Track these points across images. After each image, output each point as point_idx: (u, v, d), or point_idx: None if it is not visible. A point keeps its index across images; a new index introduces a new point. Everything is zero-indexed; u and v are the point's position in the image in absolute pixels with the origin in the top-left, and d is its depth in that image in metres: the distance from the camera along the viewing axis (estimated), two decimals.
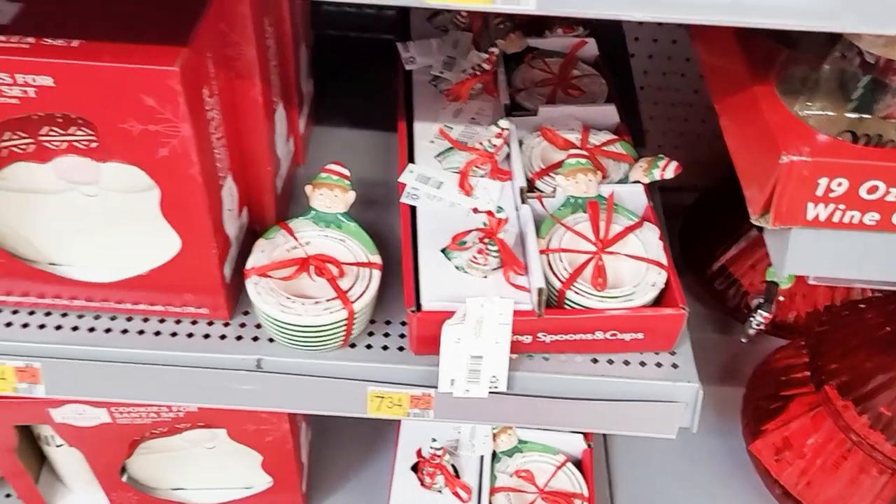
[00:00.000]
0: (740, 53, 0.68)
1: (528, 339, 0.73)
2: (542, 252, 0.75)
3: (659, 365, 0.75)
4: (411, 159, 0.86)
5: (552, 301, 0.74)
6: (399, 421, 1.07)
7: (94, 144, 0.67)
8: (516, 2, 0.44)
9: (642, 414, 0.74)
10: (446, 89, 0.93)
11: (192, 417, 0.87)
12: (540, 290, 0.71)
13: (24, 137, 0.67)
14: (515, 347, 0.72)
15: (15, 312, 0.76)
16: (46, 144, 0.67)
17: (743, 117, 0.66)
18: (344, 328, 0.72)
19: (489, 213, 0.73)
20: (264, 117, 0.75)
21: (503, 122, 0.81)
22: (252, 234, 0.82)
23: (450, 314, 0.71)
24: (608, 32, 1.03)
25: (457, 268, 0.75)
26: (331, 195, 0.77)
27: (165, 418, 0.87)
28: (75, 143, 0.67)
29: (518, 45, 0.97)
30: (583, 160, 0.79)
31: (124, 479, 0.96)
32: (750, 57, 0.70)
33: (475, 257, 0.73)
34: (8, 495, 1.06)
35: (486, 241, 0.73)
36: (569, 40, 0.99)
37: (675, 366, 0.75)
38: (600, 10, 0.44)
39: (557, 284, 0.73)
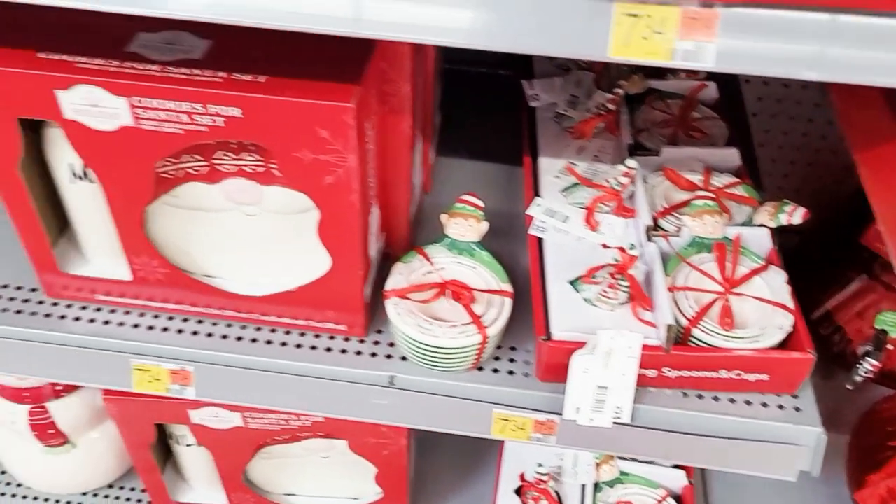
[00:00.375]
0: (886, 105, 0.69)
1: (653, 373, 0.76)
2: (669, 289, 0.77)
3: (781, 407, 0.76)
4: (537, 192, 0.90)
5: (677, 338, 0.76)
6: (502, 442, 1.10)
7: (260, 169, 0.73)
8: (695, 58, 0.48)
9: (763, 454, 0.76)
10: (570, 127, 0.97)
11: (317, 427, 0.92)
12: (669, 327, 0.73)
13: (200, 160, 0.73)
14: (640, 381, 0.75)
15: (171, 318, 0.83)
16: (218, 167, 0.74)
17: (891, 171, 0.67)
18: (476, 352, 0.76)
19: (621, 249, 0.76)
20: (409, 149, 0.81)
21: (630, 162, 0.84)
22: (385, 257, 0.87)
23: (579, 344, 0.74)
24: (725, 76, 1.05)
25: (585, 300, 0.78)
26: (465, 224, 0.81)
27: (292, 426, 0.92)
28: (244, 168, 0.73)
29: (640, 87, 1.00)
30: (710, 202, 0.82)
31: (244, 481, 1.02)
32: None
33: (605, 291, 0.76)
34: (133, 489, 1.13)
35: (618, 276, 0.75)
36: (689, 83, 1.01)
37: (797, 409, 0.76)
38: (776, 69, 0.47)
39: (684, 322, 0.75)
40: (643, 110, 0.99)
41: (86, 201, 0.76)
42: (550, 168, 0.93)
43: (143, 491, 1.13)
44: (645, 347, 0.73)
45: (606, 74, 1.03)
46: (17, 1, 0.54)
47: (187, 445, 1.00)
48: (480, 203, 0.81)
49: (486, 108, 1.12)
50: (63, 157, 0.73)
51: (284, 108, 0.64)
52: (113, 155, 0.69)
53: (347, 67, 0.66)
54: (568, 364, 0.74)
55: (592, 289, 0.78)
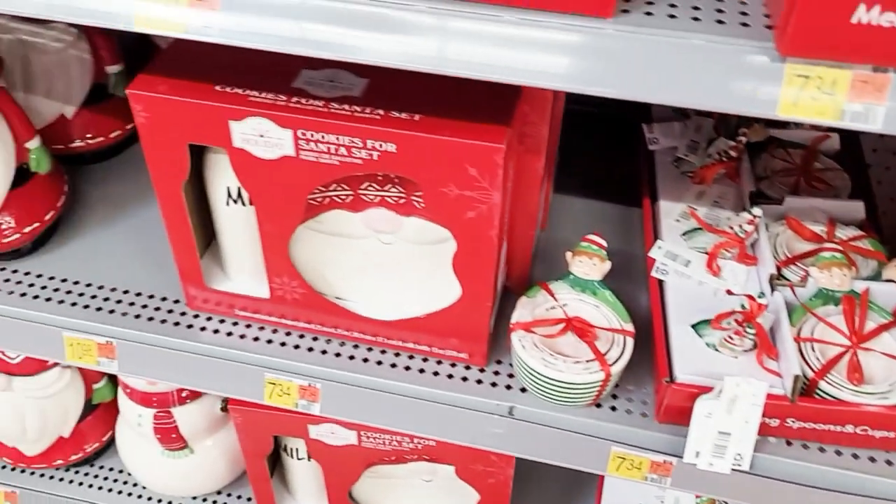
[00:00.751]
0: None
1: (775, 422, 0.76)
2: (794, 340, 0.77)
3: None
4: (656, 235, 0.91)
5: (802, 389, 0.76)
6: (602, 477, 1.11)
7: (402, 200, 0.77)
8: (864, 120, 0.49)
9: None
10: (690, 171, 0.98)
11: (427, 450, 0.95)
12: (796, 378, 0.73)
13: (346, 189, 0.78)
14: (761, 429, 0.75)
15: (302, 336, 0.87)
16: (363, 197, 0.78)
17: None
18: (597, 389, 0.78)
19: (750, 297, 0.76)
20: (539, 188, 0.83)
21: (756, 210, 0.85)
22: (504, 289, 0.89)
23: (703, 389, 0.75)
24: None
25: (707, 344, 0.79)
26: (589, 263, 0.83)
27: (404, 448, 0.95)
28: (387, 198, 0.78)
29: (761, 135, 1.01)
30: (837, 254, 0.82)
31: (349, 498, 1.05)
32: None
33: (730, 338, 0.77)
34: (239, 497, 1.18)
35: (745, 323, 0.76)
36: (810, 133, 1.02)
37: None
38: None
39: (809, 373, 0.75)
40: (764, 158, 1.00)
41: (237, 223, 0.81)
42: (670, 211, 0.94)
43: (249, 500, 1.17)
44: (769, 396, 0.74)
45: (726, 121, 1.04)
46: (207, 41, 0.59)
47: (299, 459, 1.04)
48: (604, 243, 0.83)
49: (601, 148, 1.14)
50: (222, 181, 0.79)
51: (438, 146, 0.67)
52: (271, 182, 0.74)
53: (497, 109, 0.69)
54: (690, 407, 0.75)
55: (716, 334, 0.78)
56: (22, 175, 0.91)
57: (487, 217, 0.71)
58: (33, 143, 0.90)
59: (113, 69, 1.03)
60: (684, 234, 0.91)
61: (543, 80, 0.53)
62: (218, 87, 0.71)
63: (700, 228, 0.90)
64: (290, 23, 0.55)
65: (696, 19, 0.53)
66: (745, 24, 0.52)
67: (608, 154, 1.13)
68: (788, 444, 0.78)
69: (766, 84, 0.50)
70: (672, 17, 0.53)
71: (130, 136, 1.10)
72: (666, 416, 0.79)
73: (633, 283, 0.92)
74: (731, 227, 0.87)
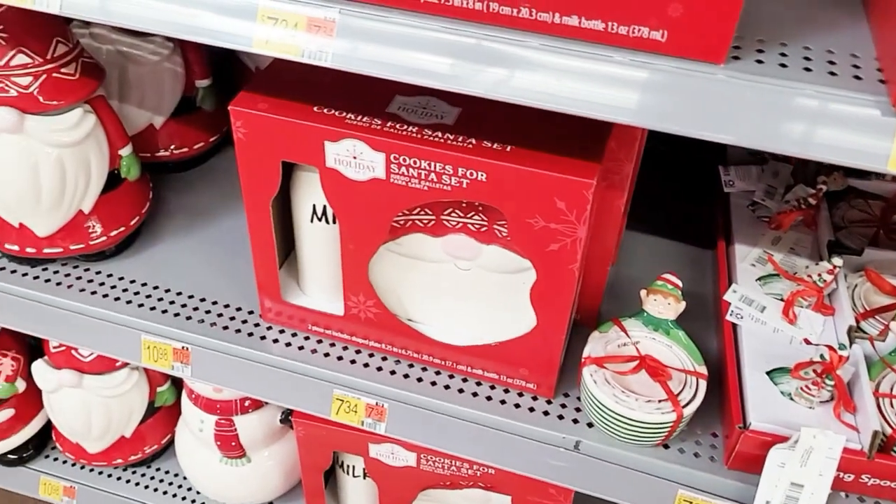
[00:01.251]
0: None
1: (849, 477, 0.74)
2: (873, 394, 0.76)
3: None
4: (730, 278, 0.91)
5: (881, 445, 0.74)
6: None
7: (483, 228, 0.78)
8: None
9: None
10: (766, 216, 0.98)
11: (485, 478, 0.95)
12: (875, 433, 0.72)
13: (429, 214, 0.79)
14: (835, 483, 0.73)
15: (371, 356, 0.88)
16: (445, 222, 0.79)
17: None
18: (668, 429, 0.77)
19: (831, 348, 0.75)
20: (618, 224, 0.84)
21: (836, 260, 0.84)
22: (574, 322, 0.89)
23: (778, 438, 0.74)
24: None
25: (782, 393, 0.78)
26: (664, 302, 0.83)
27: (462, 473, 0.95)
28: (469, 225, 0.79)
29: (840, 185, 1.00)
30: None
31: None
32: None
33: (808, 387, 0.76)
34: None
35: (824, 374, 0.75)
36: (890, 185, 1.00)
37: None
38: None
39: (888, 430, 0.74)
40: (842, 208, 0.99)
41: (319, 240, 0.83)
42: (745, 255, 0.93)
43: None
44: (845, 450, 0.72)
45: (803, 168, 1.03)
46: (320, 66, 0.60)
47: (355, 476, 1.05)
48: (680, 283, 0.83)
49: (674, 187, 1.14)
50: (308, 198, 0.81)
51: (528, 178, 0.68)
52: (359, 203, 0.75)
53: (588, 144, 0.70)
54: (762, 455, 0.74)
55: (793, 383, 0.77)
56: (112, 180, 0.94)
57: (571, 251, 0.72)
58: (126, 151, 0.94)
59: (202, 83, 1.07)
60: (760, 279, 0.90)
61: (652, 120, 0.54)
62: (315, 108, 0.73)
63: (776, 275, 0.89)
64: (404, 53, 0.57)
65: (807, 70, 0.53)
66: (857, 77, 0.52)
67: (680, 193, 1.13)
68: (861, 500, 0.76)
69: (879, 138, 0.50)
70: (783, 66, 0.53)
71: (213, 148, 1.13)
72: (736, 463, 0.78)
73: (701, 324, 0.91)
74: (810, 276, 0.86)
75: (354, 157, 0.72)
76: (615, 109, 0.54)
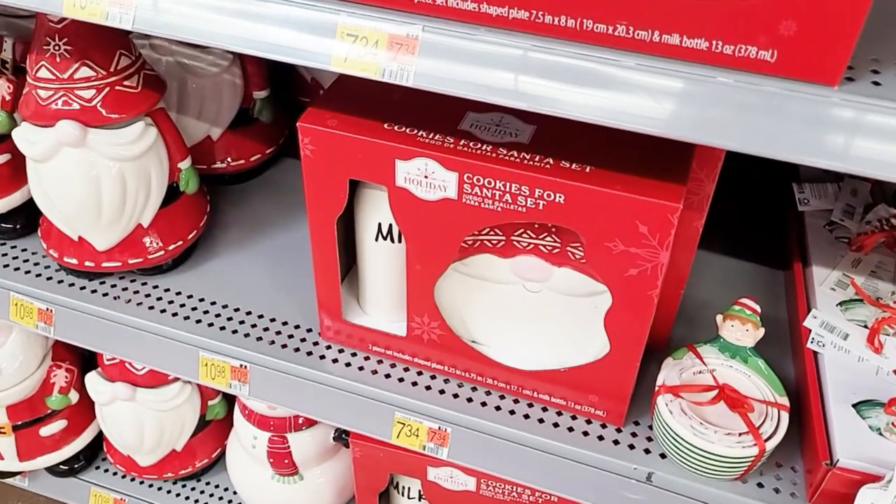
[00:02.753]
0: None
1: None
2: None
3: None
4: (808, 302, 0.87)
5: None
6: None
7: (556, 250, 0.75)
8: None
9: None
10: (845, 237, 0.93)
11: None
12: None
13: (498, 234, 0.76)
14: None
15: (433, 378, 0.85)
16: (515, 243, 0.76)
17: None
18: (748, 464, 0.73)
19: None
20: (694, 246, 0.80)
21: None
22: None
23: (868, 476, 0.70)
24: None
25: (871, 427, 0.74)
26: (742, 328, 0.79)
27: (523, 500, 0.92)
28: (541, 247, 0.76)
29: None
30: None
31: None
32: None
33: None
34: None
35: None
36: None
37: None
38: None
39: None
40: None
41: (384, 259, 0.81)
42: (824, 278, 0.89)
43: None
44: None
45: (882, 186, 0.99)
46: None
47: (410, 498, 1.02)
48: (758, 308, 0.79)
49: (745, 205, 1.10)
50: (374, 217, 0.78)
51: (609, 200, 0.65)
52: (428, 223, 0.73)
53: (670, 165, 0.67)
54: (850, 494, 0.70)
55: (884, 418, 0.73)
56: (171, 193, 0.93)
57: (651, 276, 0.69)
58: (185, 164, 0.93)
59: (259, 94, 1.06)
60: (841, 304, 0.86)
61: (760, 147, 0.50)
62: (386, 126, 0.71)
63: (859, 299, 0.85)
64: (492, 72, 0.54)
65: None
66: None
67: (752, 211, 1.09)
68: None
69: None
70: None
71: (269, 159, 1.12)
72: (821, 501, 0.73)
73: (777, 350, 0.87)
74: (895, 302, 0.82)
75: (426, 177, 0.70)
76: (722, 135, 0.50)
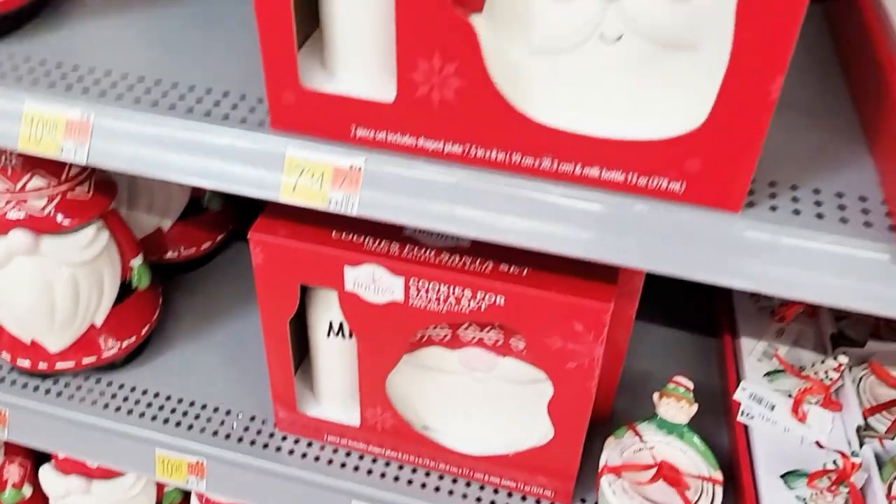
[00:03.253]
0: None
1: None
2: (887, 498, 0.77)
3: None
4: (738, 373, 0.92)
5: None
6: None
7: (500, 343, 0.80)
8: None
9: None
10: (769, 307, 1.00)
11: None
12: None
13: (445, 328, 0.80)
14: None
15: (388, 465, 0.88)
16: (461, 336, 0.80)
17: None
18: None
19: (843, 455, 0.77)
20: (629, 330, 0.85)
21: (842, 358, 0.86)
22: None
23: None
24: None
25: (798, 497, 0.79)
26: (676, 406, 0.84)
27: None
28: (485, 339, 0.80)
29: None
30: None
31: None
32: None
33: (822, 493, 0.77)
34: None
35: (838, 482, 0.76)
36: None
37: None
38: None
39: None
40: None
41: (336, 354, 0.84)
42: (751, 349, 0.95)
43: None
44: None
45: None
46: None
47: None
48: (691, 385, 0.84)
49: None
50: (325, 315, 0.82)
51: (546, 302, 0.70)
52: (377, 323, 0.76)
53: (602, 266, 0.72)
54: None
55: (808, 490, 0.78)
56: (123, 290, 0.94)
57: (588, 369, 0.73)
58: (137, 261, 0.95)
59: None
60: (768, 374, 0.92)
61: (672, 268, 0.55)
62: (334, 234, 0.74)
63: (783, 370, 0.91)
64: (430, 201, 0.58)
65: (819, 216, 0.55)
66: (867, 224, 0.54)
67: (685, 282, 1.14)
68: None
69: (890, 285, 0.52)
70: (796, 212, 0.55)
71: (219, 246, 1.14)
72: None
73: (712, 419, 0.92)
74: (816, 373, 0.88)
75: (374, 281, 0.74)
76: (640, 257, 0.56)
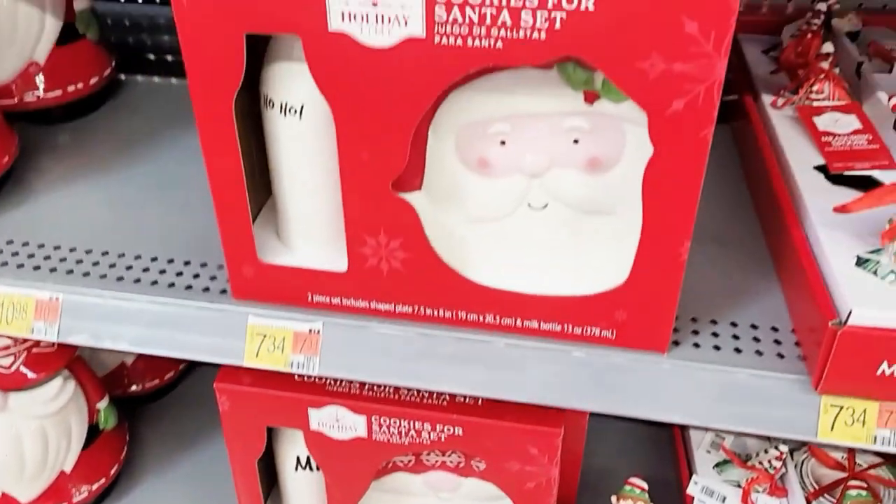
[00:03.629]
0: None
1: None
2: None
3: None
4: (689, 465, 0.98)
5: None
6: None
7: (461, 465, 0.83)
8: (891, 443, 0.57)
9: None
10: None
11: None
12: None
13: (408, 455, 0.84)
14: None
15: None
16: (424, 462, 0.84)
17: None
18: None
19: None
20: (583, 438, 0.90)
21: (782, 447, 0.92)
22: None
23: None
24: None
25: None
26: None
27: None
28: (447, 463, 0.84)
29: None
30: (863, 492, 0.88)
31: None
32: None
33: None
34: None
35: None
36: None
37: None
38: None
39: None
40: None
41: (305, 486, 0.87)
42: (700, 440, 1.00)
43: None
44: None
45: None
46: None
47: None
48: (646, 486, 0.89)
49: None
50: (292, 452, 0.85)
51: (502, 430, 0.74)
52: (343, 458, 0.80)
53: None
54: None
55: None
56: (90, 433, 0.96)
57: (546, 487, 0.77)
58: (103, 403, 0.97)
59: None
60: (717, 465, 0.97)
61: (608, 406, 0.61)
62: (296, 377, 0.78)
63: (731, 461, 0.96)
64: (385, 359, 0.63)
65: (737, 350, 0.61)
66: (780, 355, 0.61)
67: None
68: None
69: (805, 412, 0.58)
70: (716, 347, 0.61)
71: (182, 373, 1.16)
72: None
73: None
74: (761, 463, 0.93)
75: (337, 420, 0.77)
76: (580, 399, 0.61)
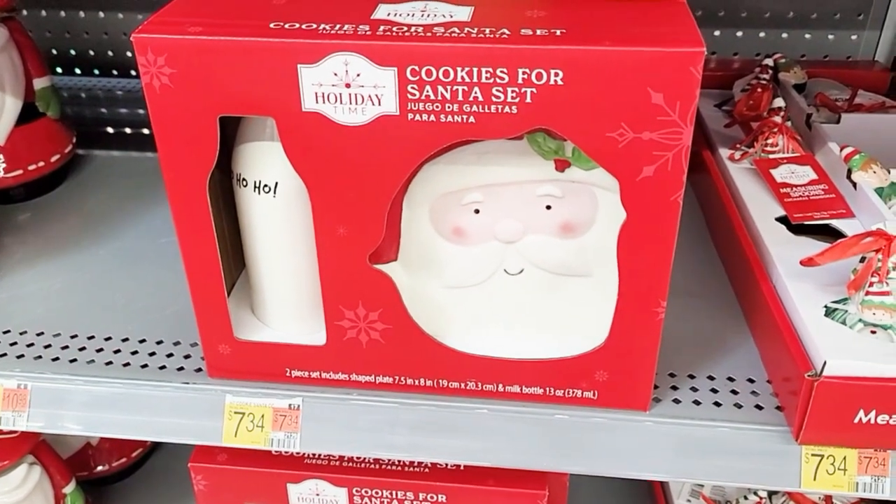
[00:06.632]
0: None
1: None
2: None
3: None
4: None
5: None
6: None
7: None
8: (873, 489, 0.58)
9: None
10: None
11: None
12: None
13: None
14: None
15: None
16: None
17: None
18: None
19: None
20: (565, 493, 0.89)
21: (762, 492, 0.93)
22: None
23: None
24: None
25: None
26: None
27: None
28: None
29: None
30: None
31: None
32: None
33: None
34: None
35: None
36: None
37: None
38: None
39: None
40: None
41: None
42: (679, 489, 1.00)
43: None
44: None
45: None
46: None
47: None
48: None
49: None
50: None
51: (486, 495, 0.73)
52: None
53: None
54: None
55: None
56: None
57: None
58: (69, 488, 0.93)
59: None
60: None
61: (591, 467, 0.61)
62: (274, 451, 0.77)
63: None
64: (363, 431, 0.62)
65: (716, 404, 0.62)
66: (758, 406, 0.62)
67: None
68: None
69: (787, 463, 0.59)
70: (696, 402, 0.62)
71: (151, 448, 1.13)
72: None
73: None
74: None
75: (318, 494, 0.76)
76: (567, 461, 0.60)
